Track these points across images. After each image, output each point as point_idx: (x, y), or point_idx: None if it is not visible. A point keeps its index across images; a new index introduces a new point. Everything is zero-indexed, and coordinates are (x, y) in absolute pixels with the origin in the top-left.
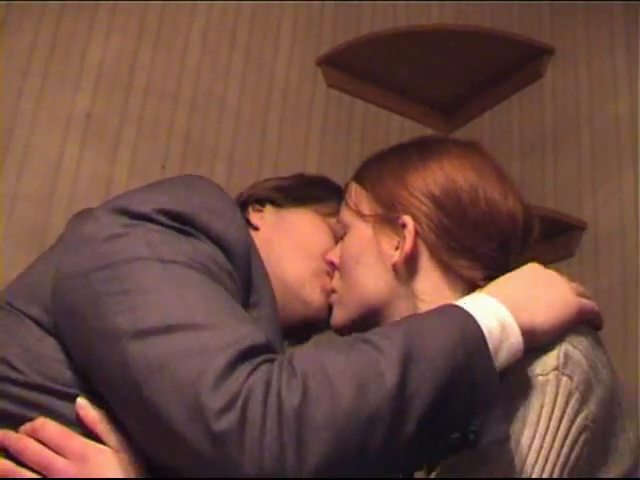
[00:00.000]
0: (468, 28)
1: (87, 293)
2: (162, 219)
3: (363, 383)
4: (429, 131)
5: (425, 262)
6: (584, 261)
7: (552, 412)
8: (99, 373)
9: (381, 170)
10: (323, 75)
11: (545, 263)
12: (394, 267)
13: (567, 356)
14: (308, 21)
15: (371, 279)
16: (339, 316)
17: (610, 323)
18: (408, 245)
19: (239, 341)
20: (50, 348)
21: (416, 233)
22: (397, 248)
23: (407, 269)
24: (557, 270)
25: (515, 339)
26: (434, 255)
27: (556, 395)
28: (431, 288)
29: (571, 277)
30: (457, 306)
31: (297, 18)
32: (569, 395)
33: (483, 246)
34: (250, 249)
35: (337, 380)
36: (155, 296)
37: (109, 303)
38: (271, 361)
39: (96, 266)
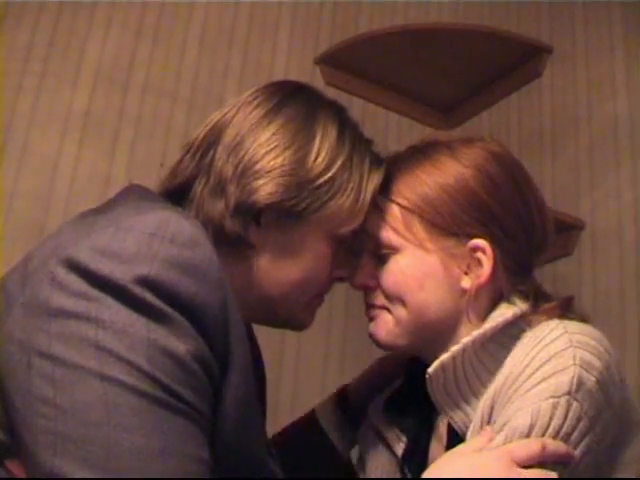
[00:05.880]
0: (466, 27)
1: (22, 380)
2: (122, 290)
3: None
4: (427, 130)
5: (489, 284)
6: (582, 260)
7: (557, 434)
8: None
9: (424, 185)
10: (321, 74)
11: (544, 262)
12: (465, 291)
13: (580, 382)
14: (306, 19)
15: (439, 304)
16: (396, 339)
17: (608, 322)
18: (487, 269)
19: None
20: None
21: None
22: (466, 272)
23: (476, 292)
24: (555, 269)
25: None
26: (496, 276)
27: (565, 418)
28: (487, 308)
29: (569, 276)
30: None
31: (295, 17)
32: (578, 420)
33: (536, 258)
34: (226, 305)
35: None
36: (83, 433)
37: (37, 414)
38: None
39: (39, 350)
